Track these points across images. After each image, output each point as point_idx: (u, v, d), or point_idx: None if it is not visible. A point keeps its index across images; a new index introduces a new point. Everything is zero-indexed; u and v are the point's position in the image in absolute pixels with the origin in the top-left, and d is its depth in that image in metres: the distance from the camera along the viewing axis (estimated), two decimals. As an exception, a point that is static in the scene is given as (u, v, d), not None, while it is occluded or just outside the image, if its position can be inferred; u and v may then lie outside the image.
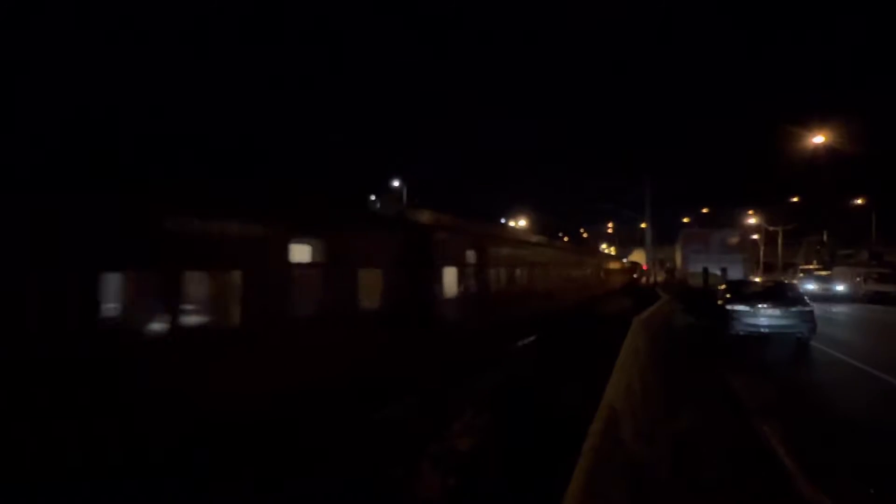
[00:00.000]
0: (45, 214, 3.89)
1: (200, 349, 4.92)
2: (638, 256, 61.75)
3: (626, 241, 78.22)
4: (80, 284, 4.04)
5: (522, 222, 50.91)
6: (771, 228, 55.58)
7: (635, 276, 48.29)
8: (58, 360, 3.81)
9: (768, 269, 54.88)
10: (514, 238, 17.94)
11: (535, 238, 21.26)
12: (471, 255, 11.47)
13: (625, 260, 59.17)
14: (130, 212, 4.48)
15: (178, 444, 4.54)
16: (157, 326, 4.69)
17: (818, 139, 26.50)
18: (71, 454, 3.84)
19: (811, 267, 41.02)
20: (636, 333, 7.29)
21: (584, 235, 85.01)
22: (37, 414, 3.69)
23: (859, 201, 48.47)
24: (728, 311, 14.27)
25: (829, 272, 37.09)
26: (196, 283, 5.15)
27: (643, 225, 38.81)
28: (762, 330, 13.72)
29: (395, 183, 34.40)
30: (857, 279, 33.76)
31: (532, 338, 13.44)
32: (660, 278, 41.98)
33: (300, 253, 6.43)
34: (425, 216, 10.29)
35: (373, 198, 11.44)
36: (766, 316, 13.76)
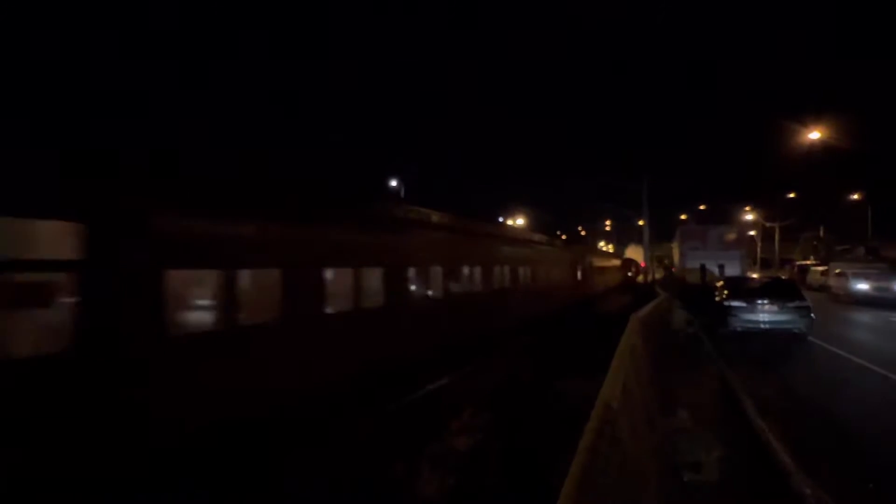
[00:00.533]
0: None
1: None
2: (633, 252, 61.40)
3: (624, 239, 78.25)
4: None
5: (520, 221, 50.89)
6: (768, 224, 55.71)
7: (630, 273, 47.80)
8: None
9: (766, 265, 55.01)
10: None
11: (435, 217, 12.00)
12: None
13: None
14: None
15: None
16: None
17: (814, 135, 26.53)
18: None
19: (853, 263, 30.87)
20: (633, 332, 7.28)
21: (583, 234, 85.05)
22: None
23: (856, 197, 48.64)
24: (726, 307, 14.31)
25: (881, 266, 27.61)
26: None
27: (641, 222, 38.74)
28: (760, 326, 13.75)
29: (393, 182, 34.42)
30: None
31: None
32: (658, 275, 41.88)
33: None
34: None
35: None
36: (763, 312, 13.79)
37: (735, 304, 14.15)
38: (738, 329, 13.92)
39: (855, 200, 48.87)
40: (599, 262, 33.83)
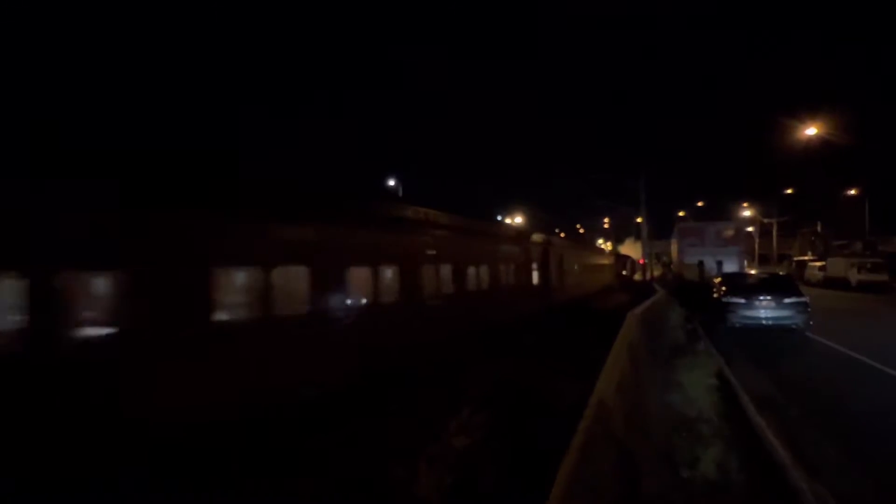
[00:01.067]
0: None
1: None
2: (629, 248, 60.88)
3: (622, 237, 78.37)
4: None
5: (518, 219, 50.90)
6: (766, 220, 55.79)
7: (625, 272, 46.38)
8: None
9: (764, 261, 55.07)
10: None
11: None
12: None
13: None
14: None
15: None
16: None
17: (811, 131, 26.59)
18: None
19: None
20: (630, 328, 7.31)
21: (581, 231, 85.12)
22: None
23: (853, 192, 48.76)
24: (724, 303, 14.33)
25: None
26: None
27: (639, 220, 38.71)
28: (758, 322, 13.76)
29: (391, 182, 34.44)
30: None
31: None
32: (656, 272, 41.87)
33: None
34: None
35: None
36: (762, 308, 13.81)
37: (733, 300, 14.16)
38: (737, 325, 13.93)
39: (852, 196, 49.00)
40: (581, 259, 27.75)
